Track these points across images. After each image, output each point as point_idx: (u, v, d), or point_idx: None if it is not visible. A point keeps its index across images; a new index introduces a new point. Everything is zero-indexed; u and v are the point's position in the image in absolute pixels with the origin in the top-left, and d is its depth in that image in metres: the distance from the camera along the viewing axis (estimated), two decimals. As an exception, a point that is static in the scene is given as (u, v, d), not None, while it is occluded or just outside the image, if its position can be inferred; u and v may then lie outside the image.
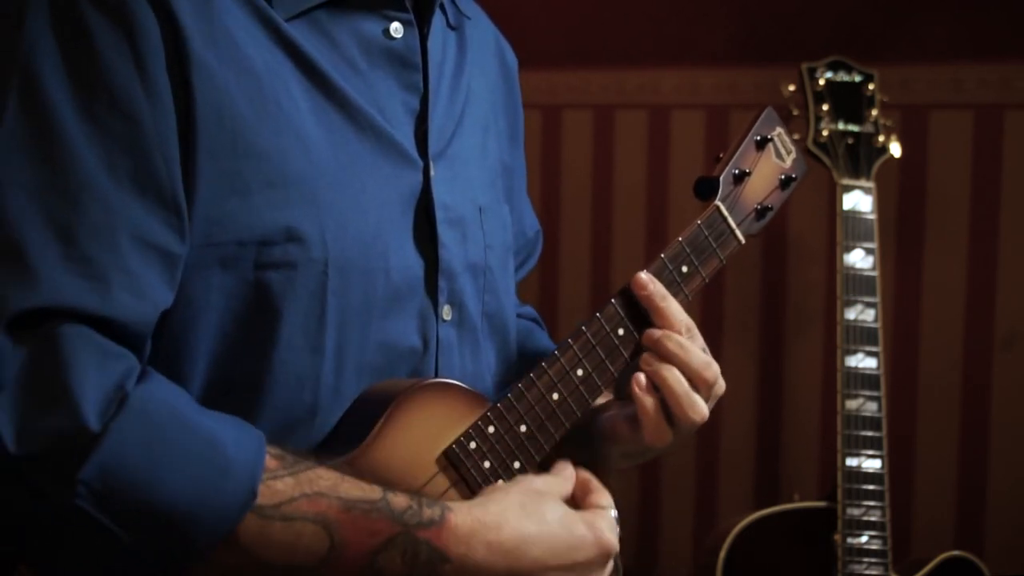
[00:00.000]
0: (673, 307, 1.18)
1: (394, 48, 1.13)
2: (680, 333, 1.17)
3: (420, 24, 1.16)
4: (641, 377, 1.16)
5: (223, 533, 0.93)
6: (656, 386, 1.16)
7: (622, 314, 1.17)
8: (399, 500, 0.99)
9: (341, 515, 0.96)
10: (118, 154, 0.96)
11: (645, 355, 1.17)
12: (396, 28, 1.13)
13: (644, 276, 1.18)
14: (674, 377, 1.15)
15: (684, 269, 1.21)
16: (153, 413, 0.93)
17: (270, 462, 0.96)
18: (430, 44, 1.17)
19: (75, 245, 0.94)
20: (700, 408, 1.17)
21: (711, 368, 1.18)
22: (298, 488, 0.96)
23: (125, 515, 0.91)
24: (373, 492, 0.98)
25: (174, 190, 0.98)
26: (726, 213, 1.24)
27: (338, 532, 0.95)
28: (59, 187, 0.95)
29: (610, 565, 1.09)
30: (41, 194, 0.94)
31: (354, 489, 0.98)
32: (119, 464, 0.91)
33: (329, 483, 0.97)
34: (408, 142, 1.13)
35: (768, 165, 1.29)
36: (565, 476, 1.13)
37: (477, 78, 1.27)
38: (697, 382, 1.17)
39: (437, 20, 1.19)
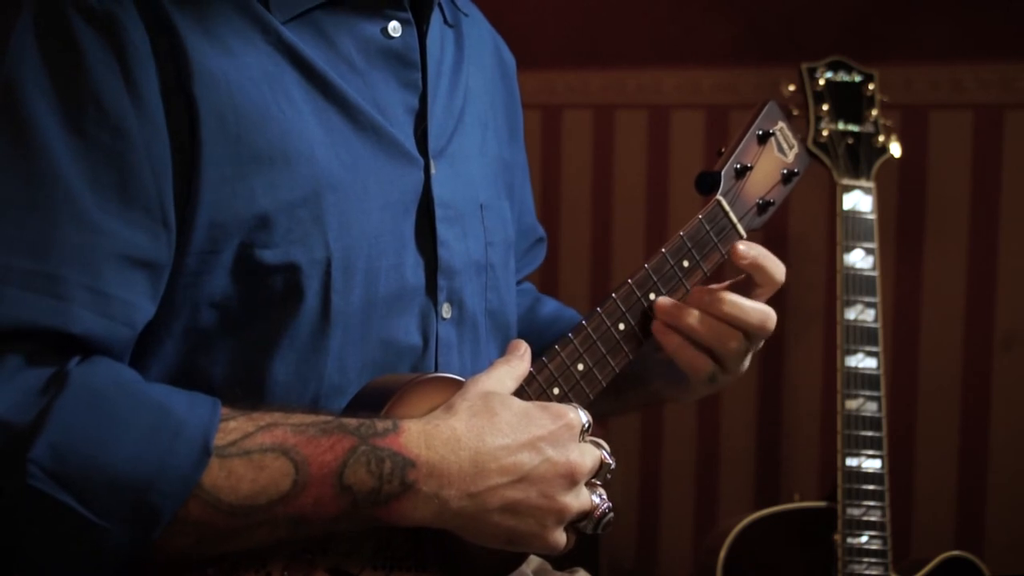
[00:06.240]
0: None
1: (393, 47, 1.13)
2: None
3: (419, 22, 1.16)
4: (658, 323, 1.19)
5: (184, 490, 0.91)
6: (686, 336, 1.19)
7: (623, 308, 1.17)
8: (350, 419, 0.98)
9: (297, 438, 0.95)
10: (104, 167, 0.96)
11: (656, 323, 1.19)
12: (395, 27, 1.13)
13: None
14: (695, 319, 1.18)
15: (685, 263, 1.21)
16: (98, 386, 0.93)
17: (223, 412, 0.95)
18: (429, 42, 1.17)
19: (44, 262, 0.93)
20: (737, 337, 1.19)
21: (769, 319, 1.21)
22: (251, 423, 0.95)
23: (84, 488, 0.89)
24: (324, 415, 0.98)
25: (163, 202, 0.98)
26: (727, 208, 1.24)
27: (298, 454, 0.94)
28: (37, 204, 0.94)
29: (576, 432, 1.04)
30: (16, 211, 0.93)
31: (306, 417, 0.97)
32: (67, 437, 0.89)
33: (281, 414, 0.97)
34: (408, 141, 1.13)
35: (770, 160, 1.29)
36: (517, 357, 1.11)
37: (475, 75, 1.27)
38: (761, 335, 1.21)
39: (435, 18, 1.19)
